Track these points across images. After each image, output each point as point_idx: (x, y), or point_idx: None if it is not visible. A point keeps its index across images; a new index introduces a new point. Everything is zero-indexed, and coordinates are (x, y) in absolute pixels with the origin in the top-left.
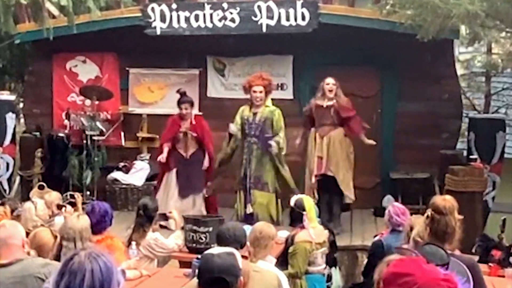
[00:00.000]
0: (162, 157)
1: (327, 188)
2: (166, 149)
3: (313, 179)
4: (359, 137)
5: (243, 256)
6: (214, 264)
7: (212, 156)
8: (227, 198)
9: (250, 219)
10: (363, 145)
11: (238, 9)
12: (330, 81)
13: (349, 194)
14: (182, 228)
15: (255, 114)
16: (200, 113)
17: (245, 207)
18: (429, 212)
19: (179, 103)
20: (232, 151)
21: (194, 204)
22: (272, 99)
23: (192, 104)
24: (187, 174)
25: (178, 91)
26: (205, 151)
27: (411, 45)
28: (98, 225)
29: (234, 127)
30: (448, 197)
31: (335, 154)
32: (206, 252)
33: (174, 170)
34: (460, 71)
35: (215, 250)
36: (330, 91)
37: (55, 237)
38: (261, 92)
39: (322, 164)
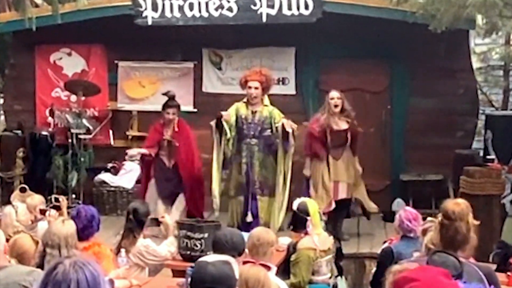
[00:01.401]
0: (138, 152)
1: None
2: (143, 150)
3: (332, 206)
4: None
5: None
6: (208, 273)
7: (198, 162)
8: (222, 201)
9: (249, 229)
10: (371, 145)
11: None
12: (334, 95)
13: (371, 205)
14: (176, 236)
15: (254, 113)
16: (195, 110)
17: (245, 215)
18: (439, 217)
19: (166, 107)
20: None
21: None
22: (272, 95)
23: (179, 109)
24: (168, 186)
25: (166, 94)
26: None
27: (423, 36)
28: (84, 231)
29: (226, 114)
30: (460, 201)
31: (351, 176)
32: (200, 259)
33: (153, 181)
34: (476, 64)
35: (210, 257)
36: (336, 106)
37: (37, 243)
38: (256, 88)
39: (338, 189)
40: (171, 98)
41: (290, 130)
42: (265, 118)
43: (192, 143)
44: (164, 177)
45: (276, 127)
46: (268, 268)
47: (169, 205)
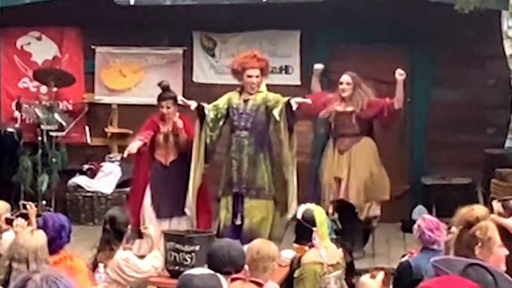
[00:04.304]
0: (132, 147)
1: (347, 216)
2: (139, 143)
3: (330, 209)
4: (395, 108)
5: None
6: (194, 287)
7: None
8: (215, 208)
9: (239, 232)
10: (388, 144)
11: None
12: (343, 79)
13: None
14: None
15: (246, 101)
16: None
17: (235, 217)
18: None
19: (159, 99)
20: (216, 135)
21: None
22: (274, 85)
23: (175, 101)
24: (167, 188)
25: (159, 84)
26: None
27: (448, 18)
28: (53, 243)
29: (205, 104)
30: (478, 207)
31: (356, 175)
32: (185, 272)
33: (149, 187)
34: (509, 50)
35: (197, 270)
36: (343, 91)
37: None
38: (257, 76)
39: (340, 188)
40: (165, 89)
41: (295, 107)
42: (259, 106)
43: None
44: (160, 180)
45: (273, 113)
46: (260, 285)
47: (166, 217)
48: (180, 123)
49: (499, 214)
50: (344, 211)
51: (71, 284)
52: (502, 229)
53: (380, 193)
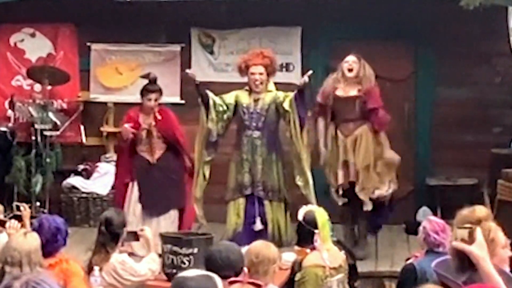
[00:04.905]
0: (128, 128)
1: (354, 202)
2: (128, 125)
3: (340, 191)
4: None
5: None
6: None
7: (190, 157)
8: (216, 210)
9: (255, 236)
10: (392, 143)
11: None
12: (350, 58)
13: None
14: (160, 254)
15: (256, 101)
16: (183, 102)
17: (253, 222)
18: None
19: (146, 91)
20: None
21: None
22: (274, 83)
23: (161, 94)
24: (155, 185)
25: (146, 76)
26: (179, 152)
27: (453, 14)
28: (49, 246)
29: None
30: (479, 207)
31: (363, 157)
32: (178, 275)
33: (135, 184)
34: None
35: (190, 272)
36: (350, 70)
37: None
38: (261, 74)
39: (349, 171)
40: (152, 81)
41: (302, 81)
42: (269, 105)
43: (180, 136)
44: (147, 178)
45: (283, 106)
46: (258, 287)
47: (154, 215)
48: (158, 116)
49: (462, 240)
50: (351, 194)
51: (54, 286)
52: None
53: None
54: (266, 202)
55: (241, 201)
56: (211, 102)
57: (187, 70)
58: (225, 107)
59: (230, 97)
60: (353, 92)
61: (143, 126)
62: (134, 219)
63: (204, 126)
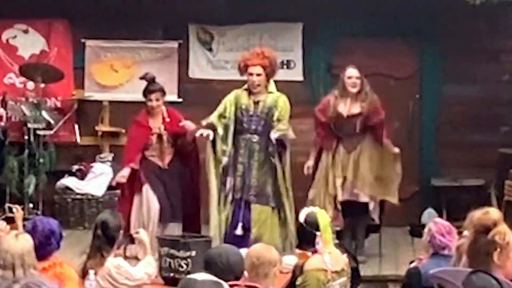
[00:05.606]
0: (122, 176)
1: (351, 211)
2: (127, 170)
3: (338, 206)
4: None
5: (234, 285)
6: None
7: (199, 158)
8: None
9: (240, 242)
10: (396, 143)
11: None
12: (352, 73)
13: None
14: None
15: (256, 103)
16: (180, 100)
17: (235, 227)
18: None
19: (147, 92)
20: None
21: None
22: (275, 81)
23: (164, 93)
24: (167, 192)
25: (143, 77)
26: (188, 156)
27: (459, 9)
28: (42, 249)
29: (213, 118)
30: (492, 210)
31: (364, 173)
32: (187, 277)
33: (148, 187)
34: None
35: (200, 275)
36: (354, 86)
37: None
38: (259, 75)
39: (348, 187)
40: (151, 81)
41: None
42: (270, 109)
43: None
44: (159, 184)
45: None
46: None
47: (167, 223)
48: (167, 118)
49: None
50: (352, 211)
51: None
52: None
53: (387, 193)
54: (256, 206)
55: (231, 205)
56: (218, 138)
57: (201, 131)
58: (229, 122)
59: (229, 104)
60: (356, 109)
61: (154, 131)
62: (150, 222)
63: (216, 157)
